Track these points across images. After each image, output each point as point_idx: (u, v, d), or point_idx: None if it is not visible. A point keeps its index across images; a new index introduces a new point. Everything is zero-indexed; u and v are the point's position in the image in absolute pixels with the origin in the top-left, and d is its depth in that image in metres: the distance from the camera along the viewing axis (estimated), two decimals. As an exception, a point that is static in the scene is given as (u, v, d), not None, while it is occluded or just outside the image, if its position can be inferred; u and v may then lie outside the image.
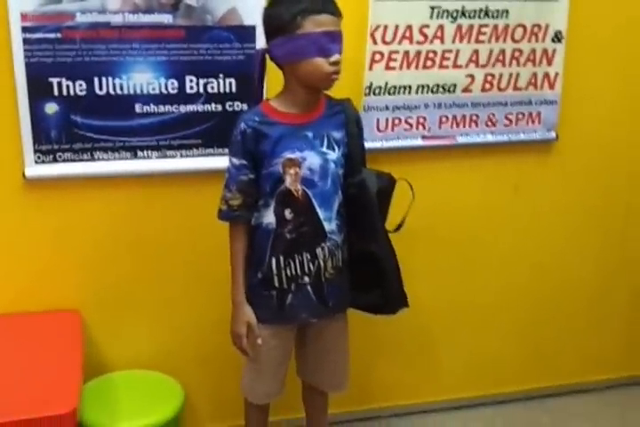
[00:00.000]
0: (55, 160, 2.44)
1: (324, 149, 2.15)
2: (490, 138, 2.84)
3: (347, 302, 2.33)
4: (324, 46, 2.01)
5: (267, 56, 2.13)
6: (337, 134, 2.19)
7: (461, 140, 2.80)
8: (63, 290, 2.59)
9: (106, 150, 2.48)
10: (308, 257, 2.18)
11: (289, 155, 2.11)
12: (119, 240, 2.61)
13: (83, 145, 2.45)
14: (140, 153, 2.51)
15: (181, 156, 2.54)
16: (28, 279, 2.56)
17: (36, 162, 2.43)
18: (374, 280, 2.25)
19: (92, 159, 2.47)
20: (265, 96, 2.23)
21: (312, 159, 2.13)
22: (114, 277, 2.64)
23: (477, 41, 2.69)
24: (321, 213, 2.16)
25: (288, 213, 2.14)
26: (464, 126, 2.79)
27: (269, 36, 2.09)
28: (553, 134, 2.92)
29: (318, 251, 2.19)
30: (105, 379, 2.62)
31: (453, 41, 2.66)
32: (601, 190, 3.11)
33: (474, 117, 2.79)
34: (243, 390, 2.42)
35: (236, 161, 2.12)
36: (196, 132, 2.53)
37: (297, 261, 2.18)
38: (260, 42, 2.37)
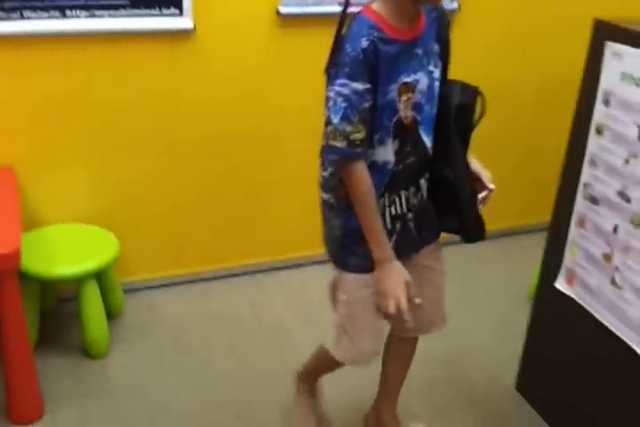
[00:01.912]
0: (-16, 18, 2.49)
1: (431, 67, 1.84)
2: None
3: (438, 229, 2.07)
4: None
5: None
6: (436, 47, 1.87)
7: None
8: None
9: (35, 9, 2.53)
10: (413, 190, 1.93)
11: (405, 78, 1.77)
12: (51, 99, 2.69)
13: (12, 3, 2.49)
14: (68, 12, 2.56)
15: (109, 16, 2.61)
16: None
17: (-34, 20, 2.47)
18: (450, 205, 1.95)
19: (22, 18, 2.52)
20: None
21: (423, 81, 1.81)
22: (49, 135, 2.75)
23: None
24: (426, 141, 1.89)
25: (397, 145, 1.83)
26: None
27: None
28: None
29: (422, 182, 1.94)
30: (42, 231, 2.78)
31: None
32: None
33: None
34: (343, 357, 2.08)
35: (358, 86, 1.70)
36: (123, -8, 2.60)
37: (403, 196, 1.91)
38: None
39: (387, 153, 1.82)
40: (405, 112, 1.79)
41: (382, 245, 1.84)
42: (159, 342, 2.86)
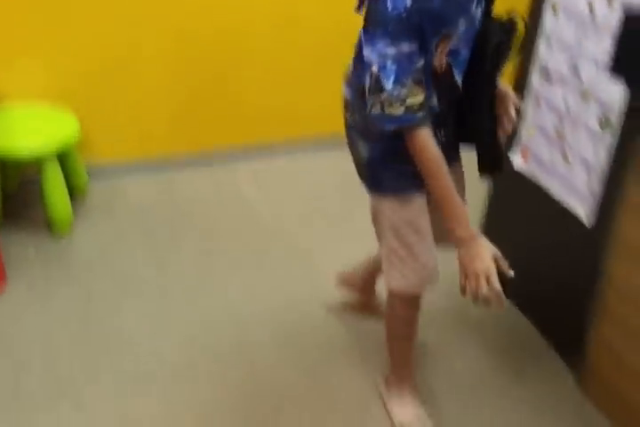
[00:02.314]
0: None
1: (474, 8, 1.65)
2: None
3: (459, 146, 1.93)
4: None
5: None
6: None
7: None
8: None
9: None
10: (443, 132, 1.79)
11: (445, 29, 1.61)
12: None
13: None
14: None
15: None
16: None
17: None
18: (472, 136, 1.85)
19: None
20: None
21: (462, 26, 1.64)
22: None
23: None
24: (459, 81, 1.73)
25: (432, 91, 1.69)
26: None
27: None
28: None
29: (449, 121, 1.82)
30: (1, 109, 2.77)
31: None
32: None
33: None
34: (415, 284, 1.94)
35: (405, 47, 1.55)
36: None
37: (441, 132, 1.78)
38: None
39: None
40: (440, 60, 1.64)
41: (462, 222, 1.66)
42: (123, 221, 2.91)
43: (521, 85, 2.32)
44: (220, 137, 3.27)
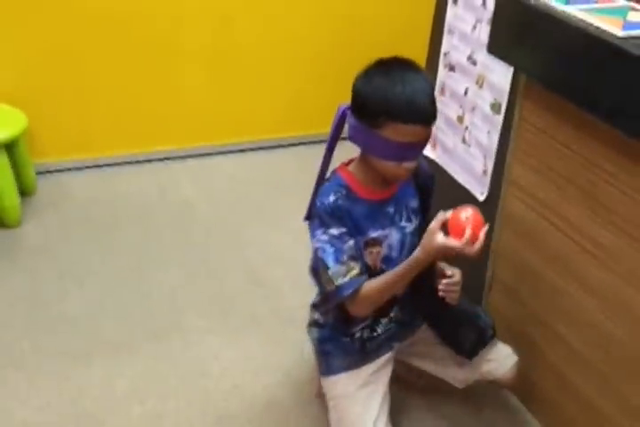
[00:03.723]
0: None
1: (404, 223, 1.95)
2: None
3: (420, 316, 2.14)
4: (401, 154, 1.76)
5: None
6: (413, 203, 1.98)
7: None
8: None
9: None
10: (386, 321, 2.03)
11: (372, 234, 1.90)
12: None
13: None
14: None
15: None
16: None
17: None
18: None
19: None
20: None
21: (393, 236, 1.93)
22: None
23: None
24: None
25: None
26: None
27: (353, 107, 1.79)
28: None
29: (393, 312, 2.04)
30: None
31: None
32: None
33: None
34: None
35: (334, 231, 1.83)
36: None
37: (380, 326, 2.04)
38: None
39: None
40: (374, 262, 1.91)
41: (405, 266, 1.84)
42: (68, 214, 3.08)
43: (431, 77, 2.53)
44: (160, 137, 3.47)
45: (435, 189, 2.04)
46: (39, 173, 3.23)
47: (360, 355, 2.03)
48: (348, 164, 1.92)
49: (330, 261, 1.84)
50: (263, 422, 2.21)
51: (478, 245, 1.76)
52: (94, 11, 3.09)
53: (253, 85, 3.47)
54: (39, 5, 3.00)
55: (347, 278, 1.83)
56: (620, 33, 1.72)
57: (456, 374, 2.15)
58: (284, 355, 2.44)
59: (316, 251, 1.87)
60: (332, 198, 1.84)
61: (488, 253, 2.29)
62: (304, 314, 2.16)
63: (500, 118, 2.18)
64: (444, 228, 1.79)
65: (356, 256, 1.86)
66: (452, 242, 1.75)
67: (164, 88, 3.36)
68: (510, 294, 2.28)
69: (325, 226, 1.84)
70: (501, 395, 2.33)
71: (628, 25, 1.75)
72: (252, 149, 3.59)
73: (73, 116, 3.26)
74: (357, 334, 2.02)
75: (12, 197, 2.90)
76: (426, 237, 1.79)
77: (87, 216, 3.08)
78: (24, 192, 3.09)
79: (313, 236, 1.88)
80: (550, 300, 2.10)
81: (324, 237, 1.84)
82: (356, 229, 1.87)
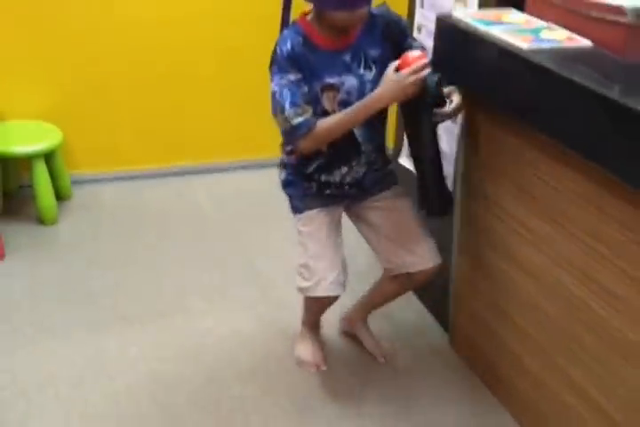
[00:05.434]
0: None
1: (362, 71, 2.10)
2: None
3: (389, 182, 2.36)
4: (351, 2, 1.94)
5: None
6: (374, 52, 2.11)
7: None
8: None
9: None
10: (346, 170, 2.25)
11: (328, 79, 2.07)
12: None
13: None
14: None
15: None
16: None
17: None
18: (419, 180, 2.25)
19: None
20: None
21: (350, 82, 2.09)
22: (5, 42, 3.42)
23: None
24: (357, 133, 2.17)
25: None
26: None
27: None
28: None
29: (354, 163, 2.24)
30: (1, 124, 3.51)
31: None
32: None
33: None
34: (307, 292, 2.39)
35: (292, 77, 2.03)
36: None
37: (335, 173, 2.26)
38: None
39: None
40: (332, 106, 2.09)
41: (359, 106, 2.05)
42: (99, 218, 3.59)
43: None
44: (179, 154, 3.94)
45: (407, 29, 2.18)
46: (75, 182, 3.74)
47: (317, 198, 2.29)
48: (307, 13, 2.09)
49: (286, 104, 2.02)
50: (247, 383, 2.63)
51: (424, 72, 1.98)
52: (123, 43, 3.58)
53: (260, 111, 3.90)
54: (75, 39, 3.51)
55: (301, 119, 2.03)
56: (526, 46, 1.91)
57: (390, 256, 2.37)
58: (270, 333, 2.84)
59: (273, 94, 2.06)
60: (289, 45, 2.02)
61: (451, 249, 2.53)
62: (293, 301, 2.62)
63: (456, 127, 2.40)
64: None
65: (310, 101, 2.05)
66: (402, 72, 1.98)
67: (182, 111, 3.85)
68: (470, 284, 2.51)
69: (283, 72, 2.03)
70: (459, 371, 2.70)
71: (535, 40, 1.94)
72: (258, 166, 3.98)
73: (103, 134, 3.77)
74: (315, 176, 2.26)
75: (50, 199, 3.42)
76: (382, 77, 2.03)
77: (114, 218, 3.58)
78: (61, 197, 3.61)
79: (272, 80, 2.07)
80: (501, 284, 2.31)
81: (282, 82, 2.03)
82: (312, 76, 2.05)
